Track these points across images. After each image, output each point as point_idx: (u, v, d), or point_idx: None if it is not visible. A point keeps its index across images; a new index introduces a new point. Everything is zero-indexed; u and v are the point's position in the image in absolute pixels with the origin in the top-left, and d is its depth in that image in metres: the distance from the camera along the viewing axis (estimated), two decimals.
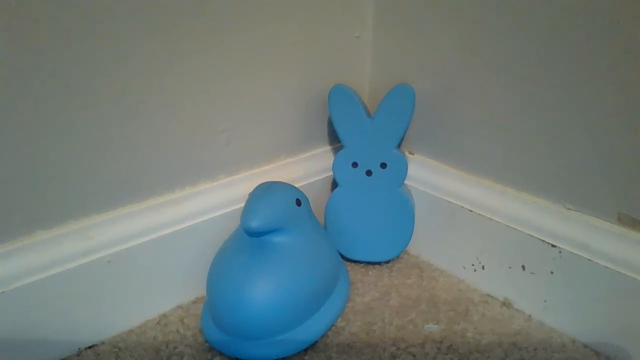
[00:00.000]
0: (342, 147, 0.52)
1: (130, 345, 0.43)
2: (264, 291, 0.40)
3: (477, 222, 0.49)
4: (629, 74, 0.37)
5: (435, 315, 0.47)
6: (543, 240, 0.44)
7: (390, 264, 0.54)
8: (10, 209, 0.38)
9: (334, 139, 0.57)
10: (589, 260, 0.41)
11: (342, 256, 0.53)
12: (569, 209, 0.43)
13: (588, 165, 0.41)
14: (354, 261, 0.55)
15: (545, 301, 0.45)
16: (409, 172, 0.51)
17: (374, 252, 0.53)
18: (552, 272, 0.44)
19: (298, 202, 0.43)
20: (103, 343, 0.43)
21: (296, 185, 0.48)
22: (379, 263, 0.54)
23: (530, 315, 0.47)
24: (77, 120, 0.38)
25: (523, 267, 0.46)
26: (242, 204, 0.42)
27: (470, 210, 0.49)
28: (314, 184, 0.55)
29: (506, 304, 0.48)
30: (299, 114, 0.53)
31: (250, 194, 0.43)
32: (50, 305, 0.40)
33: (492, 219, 0.47)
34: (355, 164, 0.51)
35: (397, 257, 0.55)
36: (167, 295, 0.47)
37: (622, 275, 0.39)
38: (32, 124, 0.37)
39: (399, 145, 0.51)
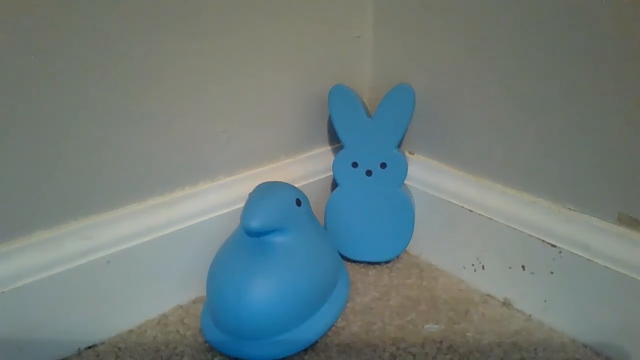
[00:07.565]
0: (342, 147, 0.52)
1: (130, 345, 0.43)
2: (263, 291, 0.40)
3: (477, 222, 0.49)
4: (629, 74, 0.37)
5: (435, 315, 0.47)
6: (543, 240, 0.44)
7: (390, 264, 0.54)
8: (10, 209, 0.38)
9: (334, 139, 0.57)
10: (589, 260, 0.41)
11: (342, 256, 0.53)
12: (569, 209, 0.43)
13: (588, 165, 0.41)
14: (354, 261, 0.55)
15: (545, 301, 0.45)
16: (409, 172, 0.51)
17: (374, 252, 0.53)
18: (552, 272, 0.44)
19: (298, 202, 0.43)
20: (103, 343, 0.43)
21: (296, 185, 0.48)
22: (379, 263, 0.54)
23: (530, 315, 0.47)
24: (77, 121, 0.38)
25: (523, 267, 0.46)
26: (242, 204, 0.42)
27: (470, 210, 0.49)
28: (314, 184, 0.55)
29: (506, 304, 0.48)
30: (299, 114, 0.53)
31: (250, 194, 0.43)
32: (50, 305, 0.40)
33: (492, 219, 0.47)
34: (355, 164, 0.51)
35: (397, 257, 0.55)
36: (167, 295, 0.47)
37: (622, 275, 0.39)
38: (32, 124, 0.37)
39: (399, 145, 0.51)
